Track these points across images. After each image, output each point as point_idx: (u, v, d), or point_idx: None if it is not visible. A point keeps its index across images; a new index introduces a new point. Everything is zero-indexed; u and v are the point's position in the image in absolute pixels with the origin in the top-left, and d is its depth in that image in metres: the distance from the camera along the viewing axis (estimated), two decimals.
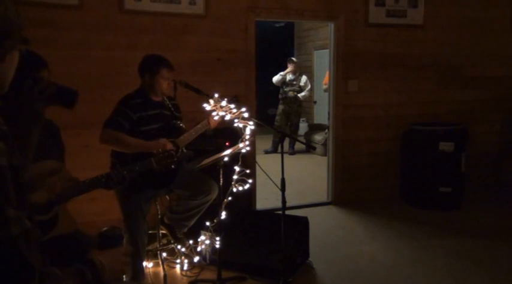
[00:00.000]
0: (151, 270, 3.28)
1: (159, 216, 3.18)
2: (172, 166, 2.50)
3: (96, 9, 3.78)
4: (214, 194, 3.13)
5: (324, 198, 5.10)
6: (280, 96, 7.70)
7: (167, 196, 3.32)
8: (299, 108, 7.73)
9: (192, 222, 3.21)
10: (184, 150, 3.03)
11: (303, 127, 8.60)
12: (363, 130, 4.94)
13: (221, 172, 2.95)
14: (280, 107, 7.65)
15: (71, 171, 2.08)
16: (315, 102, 9.03)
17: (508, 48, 5.35)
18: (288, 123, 7.64)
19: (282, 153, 2.97)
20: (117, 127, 2.74)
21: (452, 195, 4.72)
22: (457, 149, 4.66)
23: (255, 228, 3.52)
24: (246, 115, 2.90)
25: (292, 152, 7.89)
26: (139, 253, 2.85)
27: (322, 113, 8.30)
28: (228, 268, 3.17)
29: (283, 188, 2.86)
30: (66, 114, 1.84)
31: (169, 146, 2.80)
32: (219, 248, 2.99)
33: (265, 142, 7.95)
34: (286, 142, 8.03)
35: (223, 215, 3.02)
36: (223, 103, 2.92)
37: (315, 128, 8.33)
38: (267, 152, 7.72)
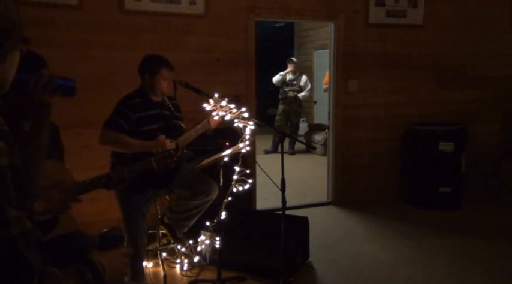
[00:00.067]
0: (151, 270, 3.27)
1: (159, 216, 3.18)
2: (172, 166, 2.50)
3: (96, 9, 3.78)
4: (215, 194, 3.13)
5: (324, 198, 5.10)
6: (280, 96, 7.70)
7: (167, 196, 3.32)
8: (299, 108, 7.73)
9: (192, 222, 3.21)
10: (185, 151, 3.02)
11: (303, 127, 8.60)
12: (363, 130, 4.94)
13: (221, 172, 2.95)
14: (280, 107, 7.65)
15: (71, 170, 2.08)
16: (315, 102, 9.04)
17: (508, 48, 5.35)
18: (288, 123, 7.64)
19: (282, 153, 2.97)
20: (116, 128, 2.74)
21: (452, 195, 4.72)
22: (457, 149, 4.66)
23: (255, 228, 3.51)
24: (246, 115, 2.90)
25: (292, 152, 7.89)
26: (139, 253, 2.85)
27: (322, 113, 8.30)
28: (228, 268, 3.18)
29: (283, 188, 2.86)
30: (66, 114, 1.84)
31: (169, 144, 2.80)
32: (219, 248, 2.99)
33: (265, 142, 7.95)
34: (286, 142, 8.03)
35: (223, 215, 3.02)
36: (223, 103, 2.92)
37: (315, 128, 8.33)
38: (267, 152, 7.72)
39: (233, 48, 4.28)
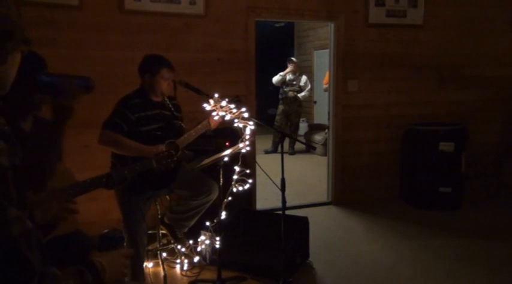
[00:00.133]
0: (151, 270, 3.28)
1: (159, 216, 3.18)
2: (172, 166, 2.49)
3: (96, 9, 3.78)
4: (215, 194, 3.13)
5: (324, 198, 5.10)
6: (280, 96, 7.70)
7: (167, 196, 3.32)
8: (299, 108, 7.73)
9: (192, 222, 3.21)
10: (186, 151, 3.02)
11: (303, 127, 8.60)
12: (363, 130, 4.94)
13: (221, 172, 2.95)
14: (280, 107, 7.65)
15: (72, 170, 2.08)
16: (315, 102, 9.04)
17: (508, 48, 5.35)
18: (288, 123, 7.64)
19: (282, 153, 2.97)
20: (116, 128, 2.74)
21: (452, 195, 4.72)
22: (457, 149, 4.66)
23: (255, 228, 3.52)
24: (246, 115, 2.89)
25: (292, 152, 7.89)
26: (139, 253, 2.85)
27: (322, 113, 8.30)
28: (228, 268, 3.18)
29: (283, 188, 2.86)
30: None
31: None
32: (219, 248, 2.99)
33: (265, 142, 7.95)
34: (286, 142, 8.03)
35: (223, 215, 3.02)
36: (223, 103, 2.92)
37: (315, 128, 8.33)
38: (267, 152, 7.72)
39: (233, 48, 4.28)
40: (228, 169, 3.01)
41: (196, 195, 3.11)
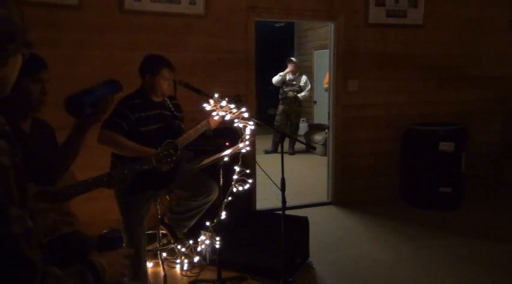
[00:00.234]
0: (151, 270, 3.28)
1: (159, 216, 3.18)
2: (171, 165, 2.49)
3: (96, 9, 3.78)
4: (215, 195, 3.12)
5: (324, 198, 5.10)
6: (280, 96, 7.70)
7: (167, 196, 3.32)
8: (299, 108, 7.72)
9: (192, 223, 3.21)
10: (185, 151, 3.02)
11: (303, 127, 8.60)
12: (363, 130, 4.94)
13: (221, 172, 2.95)
14: (280, 107, 7.65)
15: (72, 170, 2.09)
16: (315, 102, 9.03)
17: (508, 48, 5.35)
18: (288, 123, 7.64)
19: (282, 153, 2.97)
20: (115, 128, 2.73)
21: (452, 195, 4.72)
22: (457, 149, 4.66)
23: (255, 228, 3.52)
24: (246, 115, 2.90)
25: (292, 152, 7.89)
26: (139, 254, 2.85)
27: (322, 113, 8.30)
28: (228, 268, 3.18)
29: (283, 188, 2.86)
30: (66, 114, 1.84)
31: None
32: (219, 248, 2.99)
33: (265, 142, 7.95)
34: (286, 142, 8.03)
35: (223, 215, 3.02)
36: (223, 103, 2.92)
37: (315, 128, 8.33)
38: (267, 152, 7.72)
39: (233, 48, 4.28)
40: (228, 169, 3.02)
41: (195, 196, 3.10)
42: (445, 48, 5.12)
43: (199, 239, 3.30)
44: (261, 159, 4.18)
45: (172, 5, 4.00)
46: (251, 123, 2.92)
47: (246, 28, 4.32)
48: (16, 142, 0.95)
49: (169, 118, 3.00)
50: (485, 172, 5.34)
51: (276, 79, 7.54)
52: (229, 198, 3.02)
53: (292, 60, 7.63)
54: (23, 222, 0.91)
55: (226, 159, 2.90)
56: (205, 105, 2.98)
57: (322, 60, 8.27)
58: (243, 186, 2.98)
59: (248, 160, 3.55)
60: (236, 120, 2.92)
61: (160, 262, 3.15)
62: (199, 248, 3.32)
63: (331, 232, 4.17)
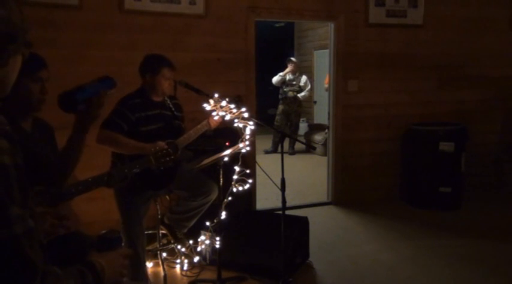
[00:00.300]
0: (151, 270, 3.28)
1: (159, 216, 3.17)
2: (170, 164, 2.49)
3: (96, 9, 3.77)
4: (214, 195, 3.12)
5: (324, 198, 5.10)
6: (280, 96, 7.70)
7: (167, 197, 3.32)
8: (299, 108, 7.73)
9: (192, 223, 3.21)
10: (185, 151, 3.02)
11: (303, 127, 8.60)
12: (363, 130, 4.94)
13: (221, 172, 2.95)
14: (280, 107, 7.65)
15: None
16: (315, 102, 9.04)
17: (507, 48, 5.35)
18: (288, 123, 7.64)
19: (282, 153, 2.97)
20: (114, 128, 2.73)
21: (452, 195, 4.72)
22: (457, 149, 4.66)
23: (255, 228, 3.51)
24: (246, 115, 2.90)
25: (292, 152, 7.89)
26: (138, 254, 2.84)
27: (322, 113, 8.30)
28: (228, 268, 3.17)
29: (283, 188, 2.86)
30: (66, 113, 1.84)
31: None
32: (219, 248, 2.99)
33: (265, 142, 7.95)
34: (286, 142, 8.03)
35: (223, 215, 3.02)
36: (223, 103, 2.92)
37: (315, 128, 8.34)
38: (267, 152, 7.72)
39: (233, 48, 4.28)
40: (228, 169, 3.02)
41: (195, 196, 3.10)
42: (445, 48, 5.12)
43: (199, 239, 3.30)
44: (261, 159, 4.18)
45: (172, 5, 4.00)
46: (251, 123, 2.92)
47: (246, 28, 4.32)
48: (17, 142, 0.95)
49: (169, 118, 3.00)
50: (485, 172, 5.34)
51: (275, 79, 7.54)
52: (229, 198, 3.02)
53: (292, 60, 7.63)
54: (24, 222, 0.91)
55: (226, 159, 2.90)
56: (205, 105, 2.98)
57: (322, 60, 8.27)
58: (243, 186, 2.98)
59: (248, 160, 3.55)
60: (236, 120, 2.92)
61: (160, 262, 3.15)
62: (199, 248, 3.32)
63: (331, 232, 4.17)
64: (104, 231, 1.30)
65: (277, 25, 10.84)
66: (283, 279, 2.93)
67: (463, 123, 4.95)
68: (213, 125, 3.07)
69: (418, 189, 4.86)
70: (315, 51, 9.28)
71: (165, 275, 3.06)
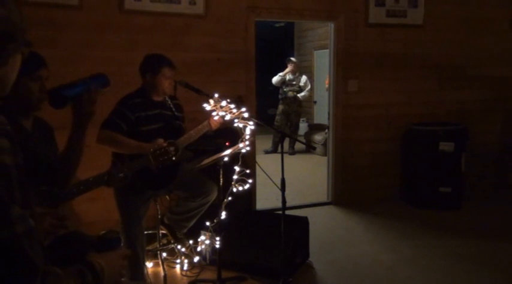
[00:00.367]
0: (151, 270, 3.27)
1: (159, 216, 3.17)
2: (168, 163, 2.49)
3: (96, 9, 3.78)
4: (214, 195, 3.12)
5: (324, 198, 5.10)
6: (280, 96, 7.70)
7: (167, 197, 3.32)
8: (299, 108, 7.73)
9: (192, 223, 3.21)
10: (186, 151, 3.02)
11: (303, 127, 8.60)
12: (363, 130, 4.94)
13: (221, 172, 2.95)
14: (280, 107, 7.65)
15: None
16: (315, 102, 9.04)
17: (508, 48, 5.35)
18: (288, 123, 7.64)
19: (282, 153, 2.97)
20: (114, 127, 2.73)
21: (452, 195, 4.72)
22: (457, 149, 4.66)
23: (255, 228, 3.51)
24: (246, 115, 2.90)
25: (292, 152, 7.89)
26: (137, 254, 2.84)
27: (322, 113, 8.30)
28: (228, 268, 3.17)
29: (283, 188, 2.86)
30: (66, 114, 1.85)
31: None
32: (219, 248, 2.99)
33: (265, 142, 7.95)
34: (286, 142, 8.03)
35: (223, 215, 3.02)
36: (224, 103, 2.92)
37: (315, 128, 8.34)
38: (267, 152, 7.72)
39: (233, 48, 4.28)
40: (228, 169, 3.02)
41: (194, 196, 3.10)
42: (445, 48, 5.12)
43: (199, 239, 3.30)
44: (261, 159, 4.18)
45: (172, 5, 4.00)
46: (251, 123, 2.92)
47: (246, 28, 4.32)
48: (18, 142, 0.95)
49: (170, 118, 3.00)
50: (485, 172, 5.34)
51: (275, 79, 7.54)
52: (229, 198, 3.02)
53: (292, 60, 7.63)
54: (24, 221, 0.91)
55: (226, 159, 2.89)
56: (205, 105, 2.98)
57: (322, 60, 8.27)
58: (243, 186, 2.98)
59: (248, 160, 3.55)
60: (236, 120, 2.92)
61: (160, 262, 3.15)
62: (199, 248, 3.32)
63: (331, 232, 4.17)
64: (103, 232, 1.31)
65: (277, 25, 10.84)
66: (283, 279, 2.93)
67: (463, 123, 4.95)
68: (213, 126, 3.07)
69: (418, 189, 4.86)
70: (315, 51, 9.28)
71: (165, 275, 3.06)
